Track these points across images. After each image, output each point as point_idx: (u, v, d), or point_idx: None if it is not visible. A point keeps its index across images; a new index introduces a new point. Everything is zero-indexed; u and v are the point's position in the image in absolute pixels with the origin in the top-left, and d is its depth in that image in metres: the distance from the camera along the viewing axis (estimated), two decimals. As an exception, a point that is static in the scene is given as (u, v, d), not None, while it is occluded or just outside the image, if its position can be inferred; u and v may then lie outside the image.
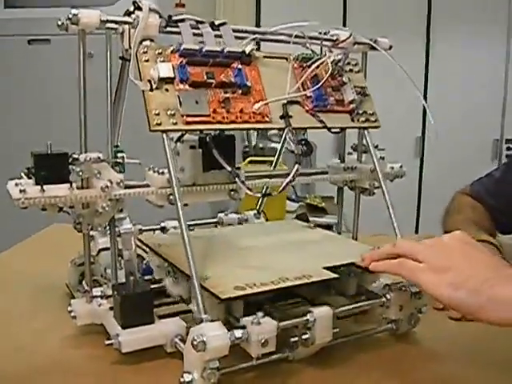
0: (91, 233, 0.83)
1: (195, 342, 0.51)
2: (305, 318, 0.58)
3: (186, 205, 0.70)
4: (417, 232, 3.16)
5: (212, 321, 0.54)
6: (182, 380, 0.54)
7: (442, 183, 3.26)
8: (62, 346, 0.67)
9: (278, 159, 0.92)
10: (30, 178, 0.68)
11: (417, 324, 0.68)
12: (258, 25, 3.35)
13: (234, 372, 0.57)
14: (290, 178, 0.65)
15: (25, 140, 2.07)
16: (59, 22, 0.64)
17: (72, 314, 0.67)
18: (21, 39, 1.98)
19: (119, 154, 0.68)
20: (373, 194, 0.84)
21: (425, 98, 3.45)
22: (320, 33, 0.76)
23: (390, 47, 0.80)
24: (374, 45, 0.76)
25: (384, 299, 0.65)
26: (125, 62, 0.69)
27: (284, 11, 3.21)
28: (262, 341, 0.54)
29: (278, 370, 0.61)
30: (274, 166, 0.92)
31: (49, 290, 0.83)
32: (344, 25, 3.39)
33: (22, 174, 0.70)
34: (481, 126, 3.19)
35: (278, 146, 2.86)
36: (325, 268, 0.64)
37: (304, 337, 0.58)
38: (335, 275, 0.63)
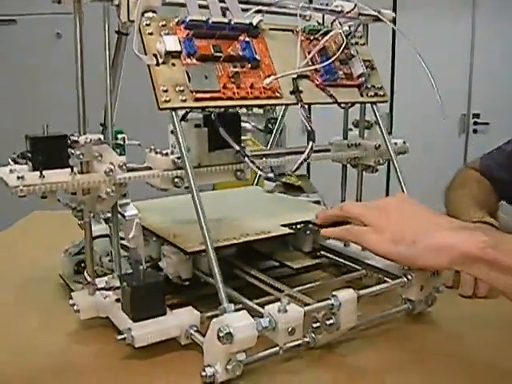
0: (82, 219, 0.79)
1: (221, 334, 0.48)
2: (330, 303, 0.55)
3: (186, 188, 0.67)
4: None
5: (236, 310, 0.51)
6: (203, 374, 0.51)
7: (410, 157, 3.29)
8: (68, 342, 0.63)
9: (275, 137, 0.89)
10: (17, 163, 0.63)
11: (434, 303, 0.67)
12: None
13: (257, 361, 0.54)
14: (304, 156, 0.62)
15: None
16: (51, -6, 0.58)
17: (75, 307, 0.62)
18: (-16, 20, 1.88)
19: (119, 135, 0.63)
20: (376, 170, 0.82)
21: (392, 73, 3.46)
22: (322, 4, 0.73)
23: (394, 19, 0.77)
24: (380, 16, 0.73)
25: (405, 279, 0.63)
26: (121, 36, 0.64)
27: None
28: (289, 329, 0.51)
29: (297, 355, 0.58)
30: (271, 145, 0.89)
31: (41, 282, 0.79)
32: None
33: (10, 160, 0.65)
34: (448, 100, 3.20)
35: (247, 125, 2.82)
36: (282, 225, 0.70)
37: (328, 322, 0.56)
38: (291, 231, 0.69)
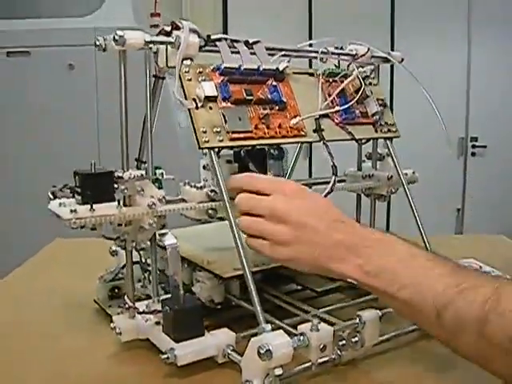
0: (113, 247, 0.84)
1: (262, 351, 0.53)
2: (355, 322, 0.61)
3: (221, 218, 0.72)
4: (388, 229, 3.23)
5: (273, 330, 0.57)
6: (242, 389, 0.57)
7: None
8: (110, 363, 0.67)
9: (292, 170, 0.95)
10: (55, 197, 0.69)
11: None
12: (225, 26, 3.38)
13: (290, 376, 0.59)
14: (328, 188, 0.68)
15: (3, 153, 2.04)
16: (97, 43, 0.64)
17: (116, 330, 0.67)
18: (-1, 52, 1.95)
19: (158, 171, 0.69)
20: (386, 199, 0.88)
21: (391, 97, 3.55)
22: (336, 47, 0.79)
23: (402, 60, 0.84)
24: (390, 57, 0.80)
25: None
26: (158, 79, 0.71)
27: (251, 10, 3.27)
28: (321, 346, 0.57)
29: (324, 371, 0.63)
30: (289, 177, 0.95)
31: (76, 307, 0.83)
32: (310, 28, 3.46)
33: (49, 194, 0.70)
34: (446, 124, 3.28)
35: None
36: None
37: (354, 340, 0.61)
38: None
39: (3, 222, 2.03)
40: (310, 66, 0.80)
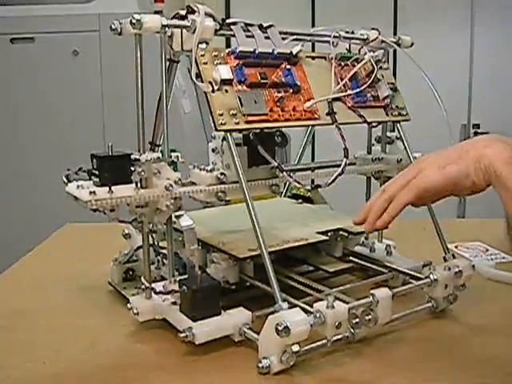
0: (126, 231, 0.86)
1: (280, 328, 0.55)
2: (369, 300, 0.62)
3: (228, 201, 0.74)
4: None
5: (290, 307, 0.58)
6: (260, 365, 0.58)
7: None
8: (128, 342, 0.69)
9: (302, 154, 0.96)
10: (69, 181, 0.70)
11: (455, 301, 0.73)
12: (227, 14, 3.36)
13: (306, 353, 0.61)
14: (339, 171, 0.69)
15: (10, 140, 2.05)
16: (113, 27, 0.65)
17: (134, 310, 0.69)
18: (3, 38, 1.95)
19: (173, 154, 0.70)
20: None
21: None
22: (347, 32, 0.80)
23: (412, 44, 0.85)
24: (400, 42, 0.81)
25: (431, 279, 0.70)
26: (172, 63, 0.71)
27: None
28: (336, 323, 0.58)
29: (338, 348, 0.64)
30: (299, 160, 0.96)
31: (90, 290, 0.85)
32: (313, 14, 3.45)
33: (64, 177, 0.72)
34: (448, 111, 3.29)
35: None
36: (317, 233, 0.78)
37: (367, 317, 0.63)
38: (327, 238, 0.77)
39: (10, 209, 2.05)
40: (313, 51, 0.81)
